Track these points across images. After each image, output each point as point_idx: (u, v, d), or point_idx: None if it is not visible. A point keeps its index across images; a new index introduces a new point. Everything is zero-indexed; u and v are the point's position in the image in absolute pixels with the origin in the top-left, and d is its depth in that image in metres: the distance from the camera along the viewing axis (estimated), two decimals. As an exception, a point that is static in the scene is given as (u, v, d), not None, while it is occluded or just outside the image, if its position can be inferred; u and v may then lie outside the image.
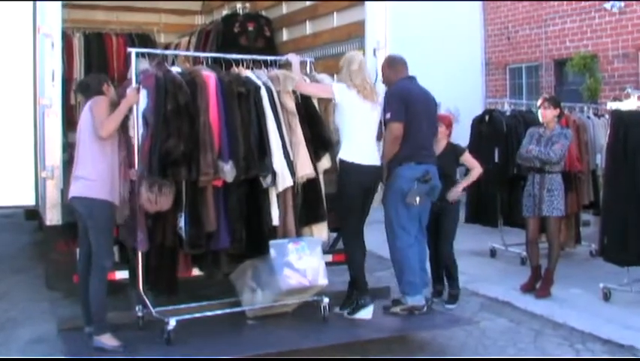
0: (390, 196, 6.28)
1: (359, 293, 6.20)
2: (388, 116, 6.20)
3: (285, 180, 5.84)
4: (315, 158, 6.15)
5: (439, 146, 7.25)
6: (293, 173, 5.91)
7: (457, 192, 7.20)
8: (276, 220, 5.90)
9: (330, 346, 5.75)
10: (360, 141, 6.17)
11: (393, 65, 6.50)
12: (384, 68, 6.53)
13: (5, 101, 6.05)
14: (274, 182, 5.81)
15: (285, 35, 9.32)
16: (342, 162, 6.13)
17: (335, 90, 6.18)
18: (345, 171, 6.14)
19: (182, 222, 5.56)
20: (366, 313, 6.12)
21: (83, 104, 5.73)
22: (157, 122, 5.40)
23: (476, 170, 7.30)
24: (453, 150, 7.36)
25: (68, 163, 5.73)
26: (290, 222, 6.02)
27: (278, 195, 5.91)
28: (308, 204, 6.15)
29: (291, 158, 5.93)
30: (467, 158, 7.37)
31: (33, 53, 5.88)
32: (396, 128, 6.18)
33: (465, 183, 7.36)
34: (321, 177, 6.26)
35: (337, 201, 6.26)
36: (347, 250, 6.39)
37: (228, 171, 5.57)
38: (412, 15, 15.69)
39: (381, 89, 6.53)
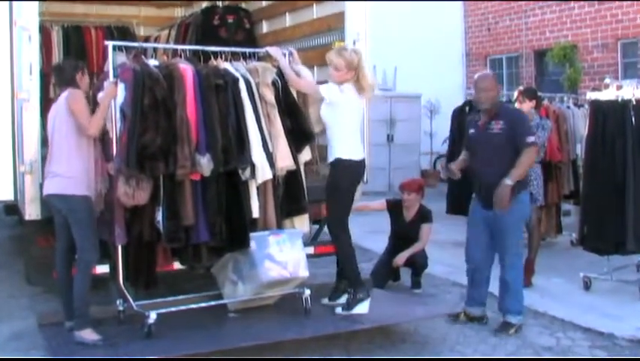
0: (516, 222, 6.20)
1: (355, 287, 6.00)
2: (532, 139, 6.05)
3: (264, 173, 5.81)
4: (296, 150, 6.12)
5: (410, 212, 7.71)
6: (272, 165, 5.88)
7: (401, 259, 7.53)
8: (256, 212, 5.87)
9: (312, 337, 5.76)
10: (351, 136, 6.03)
11: (496, 84, 6.35)
12: (492, 90, 6.20)
13: (-18, 96, 5.99)
14: (253, 174, 5.78)
15: (264, 27, 9.30)
16: (338, 159, 5.96)
17: (323, 91, 5.98)
18: (342, 169, 5.98)
19: (159, 216, 5.52)
20: (363, 308, 5.95)
21: (58, 94, 5.67)
22: (134, 116, 5.35)
23: (420, 244, 7.61)
24: (422, 218, 7.73)
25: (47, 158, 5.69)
26: (270, 214, 6.00)
27: (258, 188, 5.87)
28: (289, 196, 6.14)
29: (271, 150, 5.90)
30: (425, 228, 7.68)
31: (10, 47, 5.81)
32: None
33: (410, 252, 7.53)
34: (302, 168, 6.24)
35: (329, 197, 6.09)
36: (339, 243, 6.14)
37: (205, 164, 5.51)
38: (392, 6, 15.74)
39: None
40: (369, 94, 6.12)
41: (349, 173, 6.03)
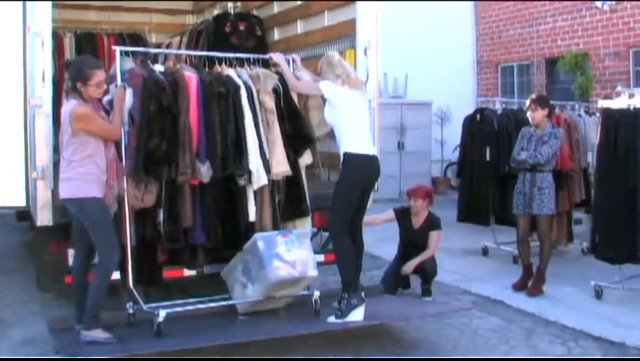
0: None
1: (348, 292, 5.88)
2: None
3: (260, 179, 5.94)
4: (296, 154, 6.23)
5: (419, 219, 7.67)
6: (268, 171, 6.00)
7: (410, 267, 7.50)
8: (252, 217, 5.99)
9: (322, 345, 5.77)
10: (358, 131, 6.02)
11: None
12: None
13: (-5, 102, 6.03)
14: (250, 180, 5.91)
15: (276, 34, 9.32)
16: (346, 154, 5.95)
17: (322, 87, 6.04)
18: (350, 163, 5.94)
19: (160, 218, 5.71)
20: (357, 315, 5.86)
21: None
22: (142, 122, 5.52)
23: (430, 251, 7.57)
24: (431, 225, 7.69)
25: (59, 164, 5.70)
26: (266, 219, 6.10)
27: (255, 192, 5.99)
28: (290, 200, 6.25)
29: (267, 156, 6.02)
30: (434, 235, 7.65)
31: (23, 53, 5.83)
32: None
33: (419, 259, 7.50)
34: (303, 172, 6.32)
35: (335, 193, 6.03)
36: (336, 244, 6.07)
37: (205, 172, 5.74)
38: (403, 14, 15.76)
39: (370, 91, 6.55)
40: (358, 85, 6.10)
41: (360, 167, 5.98)
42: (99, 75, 5.43)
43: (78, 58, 5.90)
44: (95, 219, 5.41)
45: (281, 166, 6.06)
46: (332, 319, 5.86)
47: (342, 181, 6.01)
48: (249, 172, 5.89)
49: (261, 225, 6.05)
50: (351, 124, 6.00)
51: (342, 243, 6.01)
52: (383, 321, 6.00)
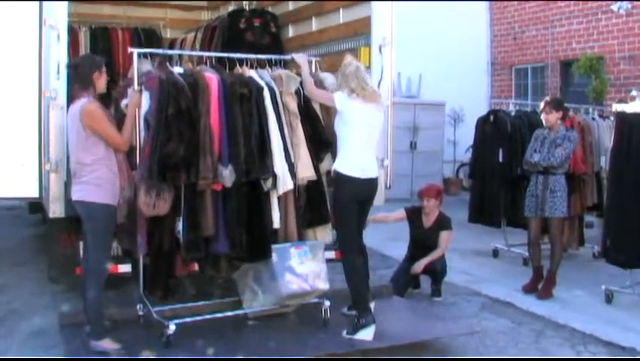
0: None
1: (358, 310, 5.83)
2: None
3: (285, 183, 5.76)
4: (317, 159, 6.10)
5: (430, 219, 7.66)
6: (294, 175, 5.84)
7: (420, 267, 7.49)
8: (277, 223, 5.84)
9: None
10: (359, 152, 5.81)
11: None
12: None
13: (10, 93, 6.03)
14: (275, 185, 5.73)
15: (291, 31, 9.29)
16: (337, 173, 5.82)
17: (336, 99, 5.83)
18: (340, 183, 5.82)
19: (179, 227, 5.50)
20: (366, 334, 5.76)
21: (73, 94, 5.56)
22: (158, 126, 5.33)
23: (439, 251, 7.57)
24: (441, 225, 7.68)
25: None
26: (291, 225, 5.97)
27: (279, 198, 5.84)
28: (311, 206, 6.11)
29: (292, 160, 5.87)
30: (445, 235, 7.65)
31: (39, 45, 5.85)
32: None
33: (429, 259, 7.49)
34: (323, 178, 6.21)
35: (334, 212, 6.01)
36: (344, 262, 5.95)
37: (227, 176, 5.48)
38: (417, 14, 15.71)
39: (384, 89, 6.47)
40: (373, 98, 5.85)
41: (349, 190, 5.81)
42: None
43: (80, 58, 5.84)
44: (98, 226, 5.34)
45: (306, 170, 5.92)
46: (344, 333, 5.80)
47: (337, 201, 5.93)
48: (275, 176, 5.70)
49: (285, 232, 5.94)
50: (353, 142, 5.81)
51: (353, 261, 5.93)
52: (391, 343, 5.88)
